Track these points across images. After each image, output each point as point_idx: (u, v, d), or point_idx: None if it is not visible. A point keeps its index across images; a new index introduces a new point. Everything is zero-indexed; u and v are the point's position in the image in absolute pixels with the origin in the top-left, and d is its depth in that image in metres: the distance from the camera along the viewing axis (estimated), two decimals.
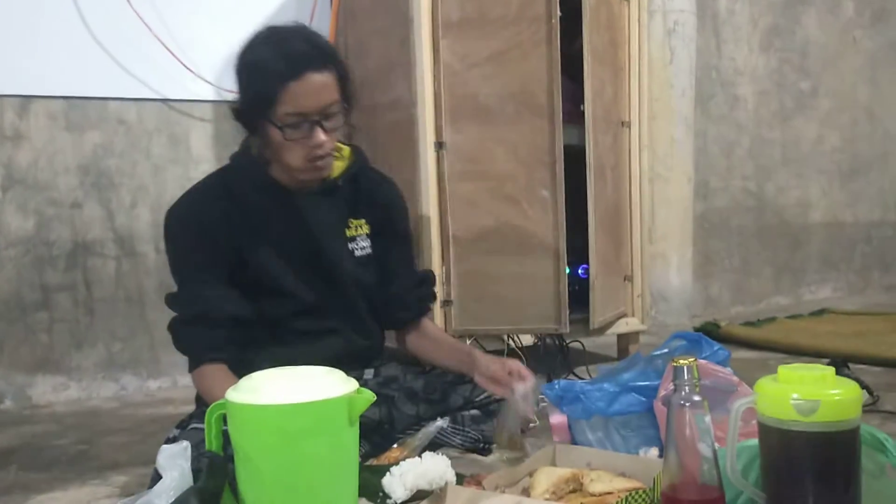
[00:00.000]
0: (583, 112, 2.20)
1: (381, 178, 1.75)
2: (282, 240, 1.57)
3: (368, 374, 1.70)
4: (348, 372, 1.14)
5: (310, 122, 1.46)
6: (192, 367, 1.53)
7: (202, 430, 1.15)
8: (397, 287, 1.72)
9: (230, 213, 1.53)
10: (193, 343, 1.52)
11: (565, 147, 2.14)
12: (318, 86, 1.45)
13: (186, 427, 1.45)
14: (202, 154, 2.51)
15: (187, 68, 2.44)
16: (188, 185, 2.45)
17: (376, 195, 1.70)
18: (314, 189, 1.59)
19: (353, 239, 1.66)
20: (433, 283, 1.84)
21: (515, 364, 1.57)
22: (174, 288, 1.56)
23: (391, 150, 2.30)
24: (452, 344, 1.77)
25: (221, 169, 1.65)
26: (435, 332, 1.80)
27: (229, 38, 2.50)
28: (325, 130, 1.48)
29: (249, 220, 1.55)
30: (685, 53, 3.21)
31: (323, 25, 2.64)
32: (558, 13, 2.10)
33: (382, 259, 1.71)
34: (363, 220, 1.68)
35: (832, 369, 1.00)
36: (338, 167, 1.63)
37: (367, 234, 1.68)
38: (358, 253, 1.66)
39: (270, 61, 1.44)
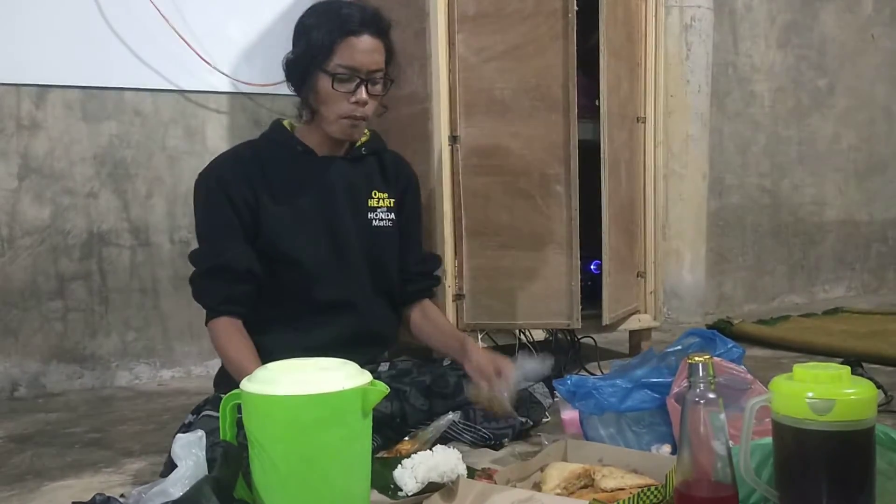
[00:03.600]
0: (598, 107, 2.20)
1: (400, 158, 1.83)
2: (301, 202, 1.63)
3: (383, 367, 1.71)
4: (363, 363, 1.15)
5: (357, 79, 1.57)
6: (209, 318, 1.59)
7: (216, 417, 1.15)
8: (404, 264, 1.77)
9: (252, 174, 1.61)
10: (212, 294, 1.58)
11: (580, 142, 2.13)
12: (372, 47, 1.58)
13: (201, 413, 1.46)
14: (217, 145, 2.52)
15: (204, 60, 2.45)
16: None
17: (399, 172, 1.79)
18: (339, 155, 1.69)
19: (373, 209, 1.72)
20: (439, 264, 1.89)
21: (502, 361, 1.59)
22: (185, 272, 1.64)
23: (406, 144, 2.29)
24: (450, 331, 1.79)
25: (253, 140, 1.74)
26: (436, 317, 1.82)
27: (246, 30, 2.55)
28: (368, 92, 1.59)
29: (271, 181, 1.62)
30: (702, 49, 3.19)
31: None
32: (575, 8, 2.09)
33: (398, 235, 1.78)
34: (386, 194, 1.74)
35: (848, 368, 1.00)
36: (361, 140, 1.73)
37: (388, 208, 1.74)
38: (376, 223, 1.72)
39: (336, 17, 1.57)
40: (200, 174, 1.65)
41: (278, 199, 1.62)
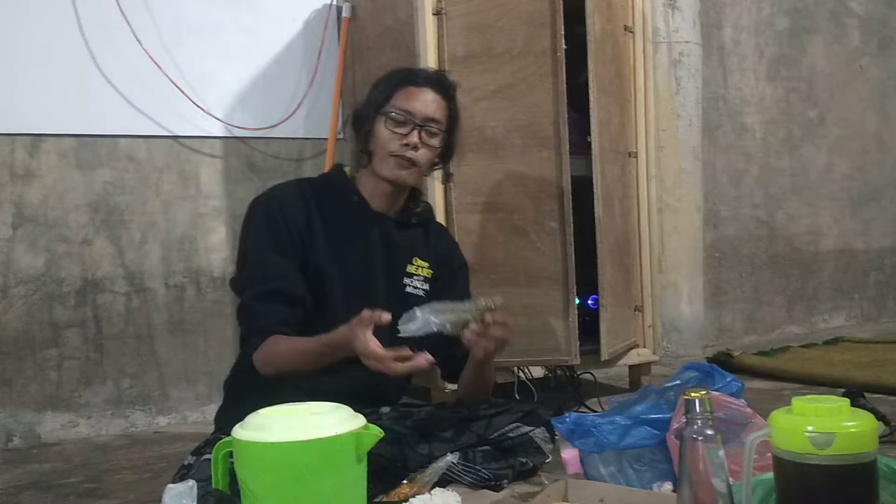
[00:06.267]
0: (590, 143, 2.21)
1: (445, 231, 1.88)
2: (344, 253, 1.65)
3: (385, 409, 1.69)
4: (365, 409, 1.13)
5: (412, 124, 1.63)
6: (258, 342, 1.54)
7: None
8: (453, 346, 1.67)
9: (310, 210, 1.64)
10: (269, 315, 1.55)
11: (573, 178, 2.14)
12: (431, 99, 1.65)
13: (202, 455, 1.43)
14: (212, 190, 2.53)
15: (197, 106, 2.47)
16: (198, 221, 2.50)
17: (440, 244, 1.81)
18: (390, 214, 1.71)
19: (410, 276, 1.73)
20: None
21: None
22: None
23: None
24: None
25: (311, 177, 1.77)
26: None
27: (239, 75, 2.58)
28: (421, 140, 1.63)
29: (324, 225, 1.64)
30: (691, 84, 3.22)
31: (331, 62, 2.67)
32: (563, 46, 2.11)
33: None
34: (427, 264, 1.75)
35: (847, 401, 0.99)
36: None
37: (426, 278, 1.74)
38: (409, 289, 1.72)
39: (403, 72, 1.70)
40: (259, 199, 1.67)
41: (327, 242, 1.64)
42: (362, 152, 1.69)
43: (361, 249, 1.67)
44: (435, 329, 1.44)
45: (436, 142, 1.67)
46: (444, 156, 1.73)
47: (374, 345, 1.39)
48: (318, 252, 1.62)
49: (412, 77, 1.66)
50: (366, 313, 1.40)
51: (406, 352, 1.41)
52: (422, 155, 1.64)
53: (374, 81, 1.73)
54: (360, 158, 1.71)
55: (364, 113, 1.68)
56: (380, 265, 1.68)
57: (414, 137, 1.63)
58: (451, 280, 1.79)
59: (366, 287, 1.66)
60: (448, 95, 1.69)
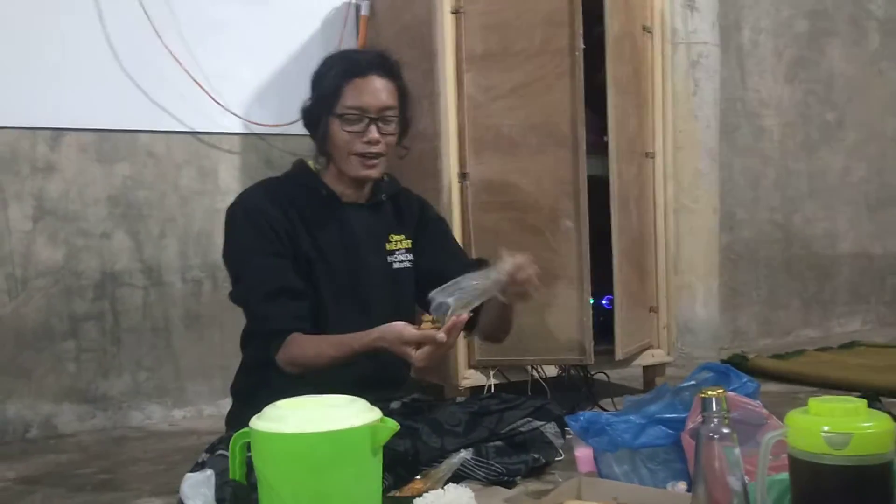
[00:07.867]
0: (606, 143, 2.21)
1: (413, 195, 1.86)
2: (326, 245, 1.65)
3: (395, 404, 1.70)
4: (375, 400, 1.15)
5: (367, 119, 1.61)
6: (277, 342, 1.55)
7: (228, 457, 1.15)
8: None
9: (287, 211, 1.64)
10: (282, 315, 1.56)
11: (589, 178, 2.14)
12: (379, 87, 1.62)
13: (215, 451, 1.45)
14: (230, 186, 2.54)
15: (216, 102, 2.48)
16: (216, 217, 2.51)
17: (410, 210, 1.81)
18: (361, 202, 1.71)
19: (392, 252, 1.75)
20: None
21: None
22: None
23: (415, 182, 2.30)
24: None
25: (277, 177, 1.76)
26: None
27: (258, 71, 2.59)
28: (380, 131, 1.61)
29: (301, 220, 1.65)
30: (709, 85, 3.20)
31: None
32: (581, 45, 2.11)
33: (431, 261, 1.76)
34: (403, 236, 1.77)
35: (864, 401, 0.98)
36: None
37: (406, 249, 1.77)
38: (396, 266, 1.74)
39: (344, 62, 1.65)
40: (234, 207, 1.67)
41: (308, 235, 1.65)
42: (320, 154, 1.69)
43: (341, 239, 1.68)
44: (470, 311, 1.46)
45: (393, 128, 1.66)
46: (402, 133, 1.71)
47: (419, 354, 1.44)
48: (303, 245, 1.64)
49: (355, 68, 1.62)
50: (409, 335, 1.43)
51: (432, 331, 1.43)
52: (384, 146, 1.64)
53: (314, 75, 1.68)
54: (318, 160, 1.71)
55: (315, 114, 1.66)
56: (362, 251, 1.69)
57: (373, 133, 1.61)
58: (431, 236, 1.80)
59: (354, 274, 1.67)
60: (394, 74, 1.66)
